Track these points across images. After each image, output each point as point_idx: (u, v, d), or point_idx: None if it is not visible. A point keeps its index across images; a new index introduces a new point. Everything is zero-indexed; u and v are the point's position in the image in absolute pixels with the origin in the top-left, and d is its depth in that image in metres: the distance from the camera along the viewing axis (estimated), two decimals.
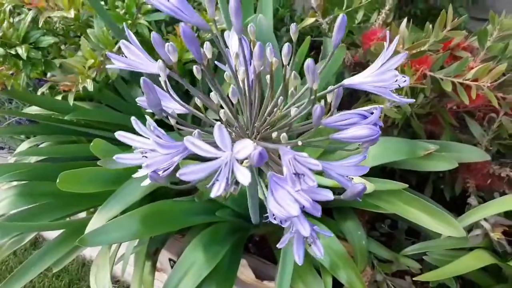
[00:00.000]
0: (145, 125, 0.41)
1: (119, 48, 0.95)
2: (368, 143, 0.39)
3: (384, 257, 1.05)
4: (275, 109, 0.41)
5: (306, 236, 0.43)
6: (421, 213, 0.86)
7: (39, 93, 1.01)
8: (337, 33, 0.40)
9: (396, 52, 0.94)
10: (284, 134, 0.38)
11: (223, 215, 0.91)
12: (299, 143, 0.39)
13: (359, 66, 1.08)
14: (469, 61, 0.85)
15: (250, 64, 0.42)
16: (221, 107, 0.43)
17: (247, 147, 0.31)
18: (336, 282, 0.90)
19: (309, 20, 1.06)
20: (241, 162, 0.33)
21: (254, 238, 1.24)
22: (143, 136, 0.39)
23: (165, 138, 0.38)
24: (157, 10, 1.02)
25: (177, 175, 0.34)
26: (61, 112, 1.02)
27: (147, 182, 0.42)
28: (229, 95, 0.37)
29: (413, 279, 0.88)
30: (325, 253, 0.88)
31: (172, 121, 0.43)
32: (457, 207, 1.03)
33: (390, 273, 1.07)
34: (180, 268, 0.84)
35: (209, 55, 0.42)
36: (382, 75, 0.38)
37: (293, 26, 0.41)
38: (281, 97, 0.41)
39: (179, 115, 0.47)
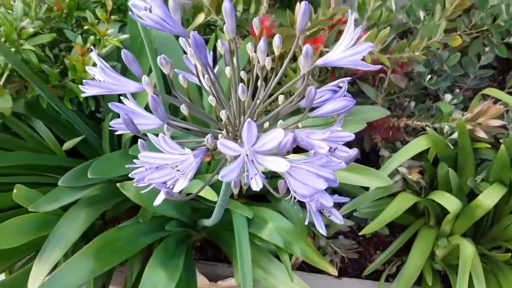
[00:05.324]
0: None
1: (7, 76, 0.86)
2: (345, 113, 0.43)
3: None
4: (258, 101, 0.42)
5: (322, 210, 0.46)
6: (349, 174, 0.94)
7: None
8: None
9: (293, 36, 1.01)
10: (281, 121, 0.40)
11: (171, 228, 0.90)
12: (299, 125, 0.42)
13: None
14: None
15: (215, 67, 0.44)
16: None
17: (276, 137, 0.33)
18: None
19: (200, 18, 1.07)
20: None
21: (196, 245, 1.23)
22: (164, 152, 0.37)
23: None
24: (38, 33, 0.94)
25: (220, 177, 0.34)
26: None
27: (160, 200, 0.40)
28: (239, 94, 0.38)
29: (359, 234, 0.97)
30: (277, 233, 0.92)
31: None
32: (367, 163, 1.15)
33: (329, 237, 1.16)
34: None
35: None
36: (356, 48, 0.43)
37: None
38: (262, 89, 0.42)
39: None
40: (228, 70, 0.43)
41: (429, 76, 1.10)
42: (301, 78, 0.41)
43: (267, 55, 0.44)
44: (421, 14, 1.20)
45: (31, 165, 0.93)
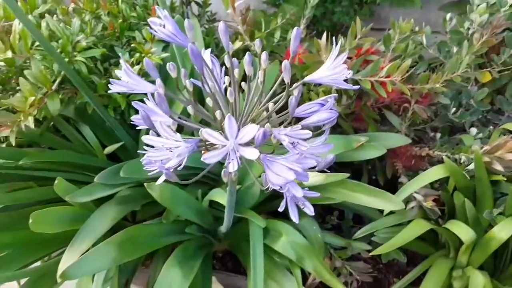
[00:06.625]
0: None
1: (58, 84, 0.98)
2: (329, 124, 0.49)
3: (338, 245, 1.16)
4: (253, 107, 0.49)
5: (297, 203, 0.52)
6: (365, 196, 0.98)
7: None
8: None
9: (320, 62, 1.07)
10: (268, 124, 0.47)
11: (191, 231, 0.96)
12: (282, 128, 0.48)
13: None
14: (381, 62, 1.01)
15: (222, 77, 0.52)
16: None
17: (251, 131, 0.40)
18: None
19: (237, 44, 1.17)
20: None
21: (218, 255, 1.29)
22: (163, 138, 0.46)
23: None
24: (90, 48, 1.07)
25: (202, 159, 0.41)
26: (8, 159, 1.01)
27: (161, 180, 0.48)
28: (228, 96, 0.46)
29: (370, 254, 0.99)
30: (291, 247, 0.96)
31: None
32: (390, 190, 1.17)
33: (345, 258, 1.18)
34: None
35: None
36: (335, 69, 0.49)
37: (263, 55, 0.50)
38: (256, 97, 0.49)
39: None
40: (226, 78, 0.50)
41: (453, 109, 1.12)
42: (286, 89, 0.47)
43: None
44: (455, 49, 1.23)
45: (73, 164, 1.04)
